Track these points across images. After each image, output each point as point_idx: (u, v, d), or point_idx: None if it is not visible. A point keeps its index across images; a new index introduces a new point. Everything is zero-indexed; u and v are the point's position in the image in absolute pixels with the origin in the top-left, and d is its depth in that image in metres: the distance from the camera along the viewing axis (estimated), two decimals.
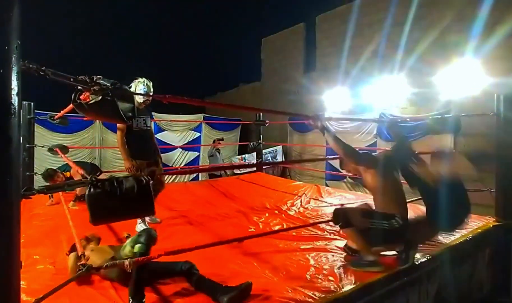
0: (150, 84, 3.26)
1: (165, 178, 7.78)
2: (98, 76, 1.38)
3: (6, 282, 1.05)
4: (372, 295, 2.09)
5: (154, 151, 3.53)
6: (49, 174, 4.06)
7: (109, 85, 1.39)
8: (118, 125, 3.21)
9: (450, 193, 2.16)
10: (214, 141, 8.41)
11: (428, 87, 5.80)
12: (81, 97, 1.41)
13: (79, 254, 1.94)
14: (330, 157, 6.10)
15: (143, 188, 1.40)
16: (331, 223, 3.36)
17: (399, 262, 2.27)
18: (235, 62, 16.03)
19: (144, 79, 3.24)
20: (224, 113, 11.00)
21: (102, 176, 1.43)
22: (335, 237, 3.02)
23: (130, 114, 1.50)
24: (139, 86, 3.20)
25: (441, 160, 2.58)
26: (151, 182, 1.40)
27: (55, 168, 4.54)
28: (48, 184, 4.16)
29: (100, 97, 1.36)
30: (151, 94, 3.18)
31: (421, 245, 2.52)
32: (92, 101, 1.37)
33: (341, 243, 2.86)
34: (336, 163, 7.03)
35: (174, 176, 8.36)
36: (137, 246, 1.91)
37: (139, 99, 3.20)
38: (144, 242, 1.92)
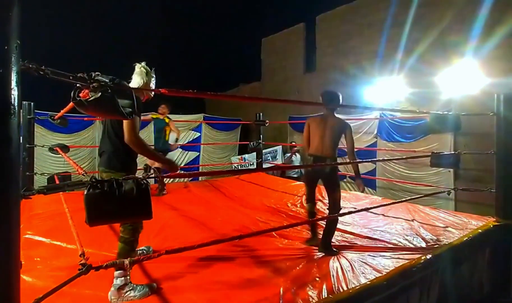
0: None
1: (165, 179, 7.78)
2: (97, 73, 1.38)
3: (6, 282, 1.05)
4: (373, 295, 2.09)
5: None
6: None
7: (107, 81, 1.38)
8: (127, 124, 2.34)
9: None
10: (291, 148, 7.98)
11: (428, 87, 5.80)
12: (81, 94, 1.40)
13: (79, 253, 1.92)
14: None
15: (142, 192, 1.40)
16: None
17: None
18: (235, 62, 16.02)
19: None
20: (224, 113, 11.00)
21: None
22: (335, 237, 3.02)
23: (130, 110, 1.49)
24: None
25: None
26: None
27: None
28: (47, 184, 4.16)
29: (100, 93, 1.35)
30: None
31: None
32: (91, 98, 1.36)
33: (341, 243, 2.85)
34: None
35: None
36: None
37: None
38: None
